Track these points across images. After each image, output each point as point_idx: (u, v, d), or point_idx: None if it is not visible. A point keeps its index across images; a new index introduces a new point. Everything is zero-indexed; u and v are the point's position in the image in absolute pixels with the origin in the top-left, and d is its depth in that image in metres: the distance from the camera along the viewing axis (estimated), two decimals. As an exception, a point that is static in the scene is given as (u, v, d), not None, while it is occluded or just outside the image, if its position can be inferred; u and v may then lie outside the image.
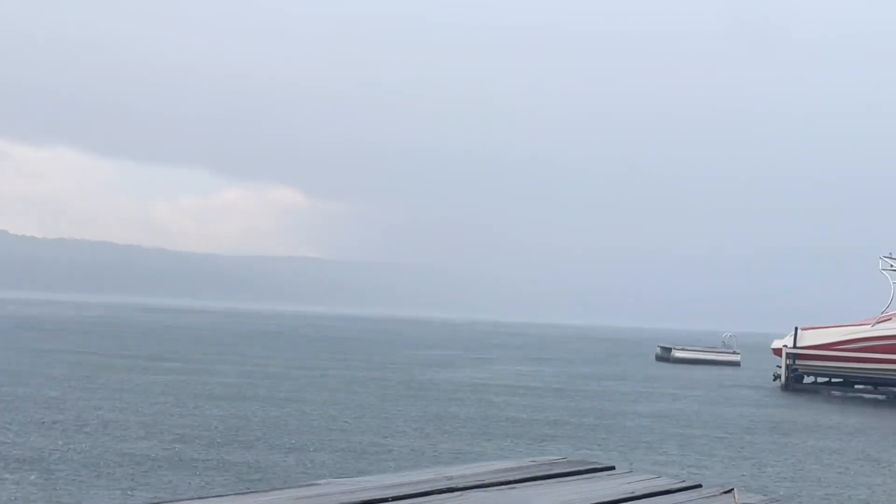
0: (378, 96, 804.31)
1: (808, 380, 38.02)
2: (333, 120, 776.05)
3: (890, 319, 36.02)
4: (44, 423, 16.94)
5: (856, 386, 37.20)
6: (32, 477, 12.11)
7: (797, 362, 37.59)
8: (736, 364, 53.45)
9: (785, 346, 37.71)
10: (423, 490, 3.52)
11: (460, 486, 3.64)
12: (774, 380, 38.45)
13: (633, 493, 3.71)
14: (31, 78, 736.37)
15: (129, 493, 11.52)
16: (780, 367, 38.06)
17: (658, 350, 60.87)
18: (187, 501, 3.27)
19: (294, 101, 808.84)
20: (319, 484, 3.55)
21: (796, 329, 37.66)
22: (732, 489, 3.81)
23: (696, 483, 3.98)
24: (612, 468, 4.24)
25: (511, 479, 3.84)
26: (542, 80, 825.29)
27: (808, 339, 37.37)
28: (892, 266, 37.38)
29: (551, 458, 4.44)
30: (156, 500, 10.80)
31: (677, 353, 56.78)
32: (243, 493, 3.42)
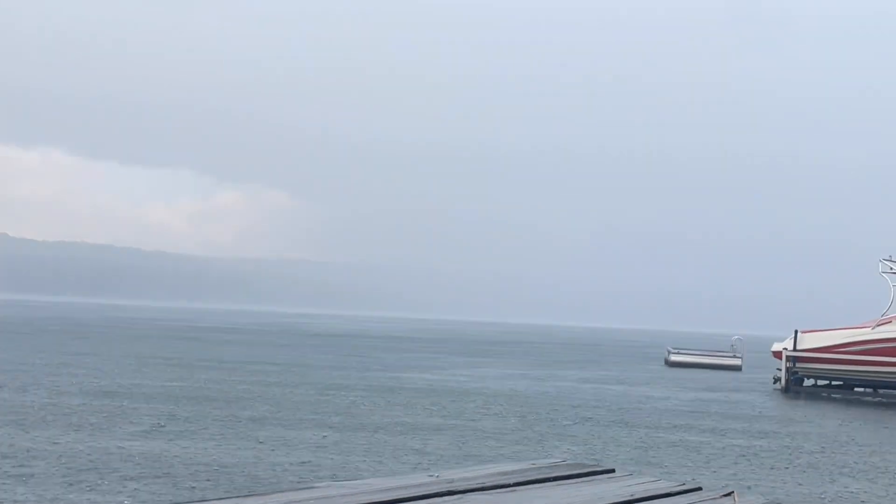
0: (369, 88, 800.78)
1: (808, 382, 38.07)
2: (322, 114, 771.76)
3: (890, 322, 36.07)
4: None
5: (856, 389, 37.25)
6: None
7: (797, 365, 37.63)
8: (736, 368, 52.79)
9: (785, 348, 37.76)
10: (422, 493, 3.52)
11: (460, 489, 3.63)
12: (774, 383, 38.48)
13: (632, 496, 3.71)
14: (18, 77, 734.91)
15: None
16: (780, 369, 38.11)
17: (667, 353, 60.07)
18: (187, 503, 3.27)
19: (284, 96, 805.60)
20: (319, 487, 3.55)
21: (796, 332, 37.70)
22: (732, 492, 3.82)
23: (696, 486, 3.99)
24: (612, 471, 4.24)
25: (511, 481, 3.84)
26: (540, 65, 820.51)
27: (808, 341, 37.40)
28: (891, 268, 37.44)
29: (551, 460, 4.44)
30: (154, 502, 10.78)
31: (673, 357, 55.43)
32: (243, 496, 3.42)
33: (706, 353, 57.67)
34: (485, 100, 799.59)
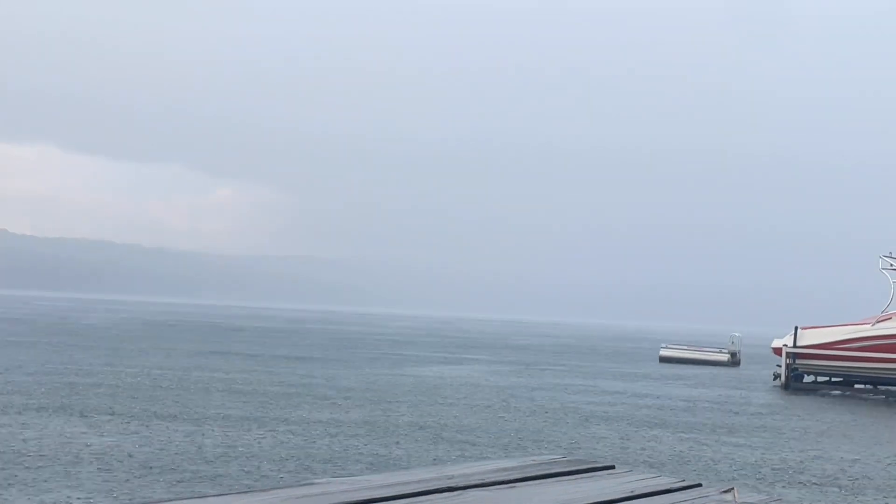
0: (368, 88, 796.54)
1: (808, 379, 38.08)
2: (321, 113, 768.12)
3: (890, 319, 36.05)
4: None
5: (856, 385, 37.24)
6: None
7: (797, 361, 37.65)
8: (723, 363, 53.25)
9: (785, 345, 37.78)
10: (423, 489, 3.52)
11: (460, 485, 3.63)
12: (774, 379, 38.52)
13: (632, 492, 3.70)
14: (8, 74, 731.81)
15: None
16: (780, 366, 38.15)
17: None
18: (188, 500, 3.27)
19: (283, 95, 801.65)
20: (319, 483, 3.54)
21: (796, 328, 37.74)
22: (732, 488, 3.81)
23: (696, 482, 3.98)
24: (612, 467, 4.23)
25: (511, 478, 3.83)
26: (539, 63, 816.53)
27: (808, 338, 37.41)
28: (891, 265, 37.42)
29: (551, 456, 4.44)
30: (156, 500, 10.79)
31: (664, 352, 56.46)
32: (244, 493, 3.42)
33: (694, 348, 58.89)
34: (483, 97, 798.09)
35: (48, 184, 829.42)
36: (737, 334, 58.96)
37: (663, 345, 60.33)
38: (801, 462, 17.02)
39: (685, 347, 59.29)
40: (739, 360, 54.53)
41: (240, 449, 14.78)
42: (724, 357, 54.37)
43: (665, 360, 54.71)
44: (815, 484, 14.73)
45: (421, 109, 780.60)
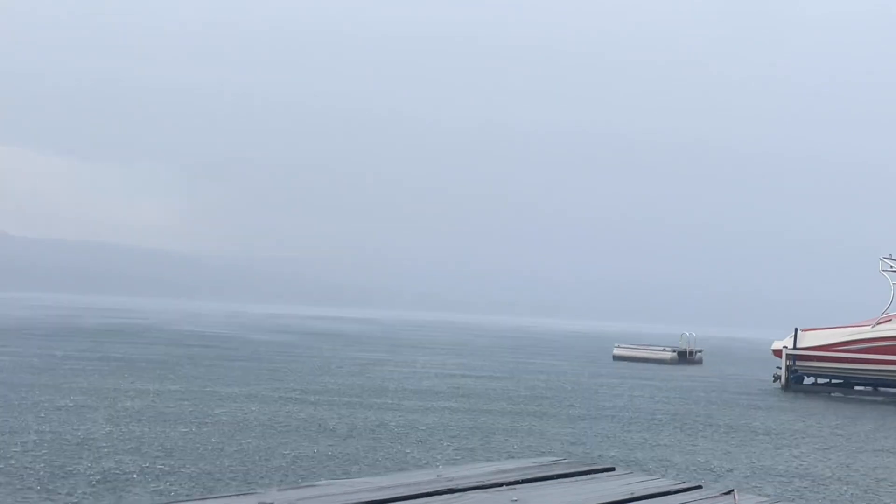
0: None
1: (808, 381, 38.10)
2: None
3: (890, 321, 36.05)
4: None
5: (856, 387, 37.24)
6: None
7: (797, 363, 37.68)
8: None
9: (785, 347, 37.80)
10: (422, 491, 3.51)
11: (460, 487, 3.62)
12: (775, 381, 38.53)
13: (633, 493, 3.69)
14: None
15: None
16: (780, 367, 38.18)
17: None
18: (188, 502, 3.26)
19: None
20: (318, 485, 3.54)
21: (796, 330, 37.78)
22: (732, 490, 3.80)
23: (697, 484, 3.98)
24: (613, 469, 4.22)
25: (511, 479, 3.82)
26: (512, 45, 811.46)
27: (809, 340, 37.46)
28: (891, 267, 37.42)
29: (551, 458, 4.43)
30: (157, 501, 10.78)
31: (616, 351, 59.06)
32: (244, 494, 3.41)
33: (643, 347, 61.17)
34: (475, 82, 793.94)
35: (36, 186, 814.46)
36: (692, 333, 61.04)
37: (616, 344, 62.76)
38: (801, 464, 17.01)
39: (634, 347, 61.55)
40: (699, 359, 56.84)
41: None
42: (669, 355, 56.18)
43: (619, 357, 57.00)
44: (814, 485, 14.73)
45: (420, 94, 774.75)
